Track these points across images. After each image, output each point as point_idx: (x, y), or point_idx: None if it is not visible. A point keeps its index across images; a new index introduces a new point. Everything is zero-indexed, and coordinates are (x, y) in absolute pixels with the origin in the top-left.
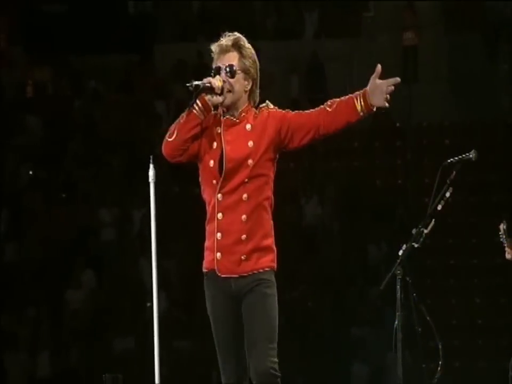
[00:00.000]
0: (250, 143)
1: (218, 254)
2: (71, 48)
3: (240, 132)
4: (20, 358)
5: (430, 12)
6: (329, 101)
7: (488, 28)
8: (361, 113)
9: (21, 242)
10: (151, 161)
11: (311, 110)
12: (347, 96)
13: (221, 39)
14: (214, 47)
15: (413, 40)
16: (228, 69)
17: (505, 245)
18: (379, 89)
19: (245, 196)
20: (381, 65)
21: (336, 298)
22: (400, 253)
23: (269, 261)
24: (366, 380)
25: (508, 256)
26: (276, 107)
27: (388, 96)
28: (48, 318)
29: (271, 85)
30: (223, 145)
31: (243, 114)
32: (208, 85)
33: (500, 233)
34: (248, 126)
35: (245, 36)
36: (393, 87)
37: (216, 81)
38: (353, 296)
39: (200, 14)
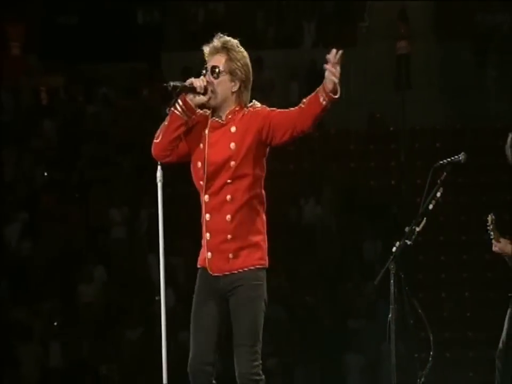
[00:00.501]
0: (232, 145)
1: (209, 254)
2: (83, 57)
3: (224, 134)
4: (33, 349)
5: (422, 22)
6: (304, 98)
7: (478, 38)
8: (324, 102)
9: (37, 240)
10: (158, 162)
11: (292, 108)
12: (312, 93)
13: (213, 40)
14: (205, 48)
15: (406, 49)
16: (211, 70)
17: (492, 237)
18: (327, 72)
19: (228, 196)
20: (376, 72)
21: (334, 292)
22: (394, 249)
23: (256, 258)
24: (362, 369)
25: (494, 248)
26: (264, 106)
27: (334, 70)
28: (61, 311)
29: (272, 91)
30: (206, 147)
31: (229, 116)
32: (189, 84)
33: (487, 224)
34: (233, 129)
35: (247, 45)
36: (335, 60)
37: (198, 81)
38: (350, 291)
39: (205, 24)
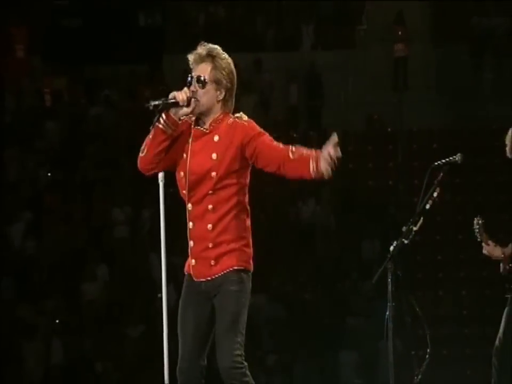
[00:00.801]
0: (214, 155)
1: (193, 261)
2: (85, 59)
3: (207, 143)
4: (37, 346)
5: (420, 25)
6: (295, 146)
7: (474, 40)
8: (313, 174)
9: (40, 239)
10: None
11: (280, 145)
12: (308, 152)
13: (197, 48)
14: (189, 57)
15: (404, 51)
16: (197, 79)
17: (479, 239)
18: (323, 157)
19: (210, 206)
20: (373, 74)
21: (332, 290)
22: (391, 248)
23: (236, 261)
24: (360, 366)
25: (484, 251)
26: (251, 120)
27: (333, 164)
28: (64, 309)
29: (271, 93)
30: (189, 157)
31: (213, 124)
32: (172, 100)
33: (474, 227)
34: (216, 138)
35: (248, 47)
36: (336, 152)
37: (180, 94)
38: (348, 289)
39: (206, 27)
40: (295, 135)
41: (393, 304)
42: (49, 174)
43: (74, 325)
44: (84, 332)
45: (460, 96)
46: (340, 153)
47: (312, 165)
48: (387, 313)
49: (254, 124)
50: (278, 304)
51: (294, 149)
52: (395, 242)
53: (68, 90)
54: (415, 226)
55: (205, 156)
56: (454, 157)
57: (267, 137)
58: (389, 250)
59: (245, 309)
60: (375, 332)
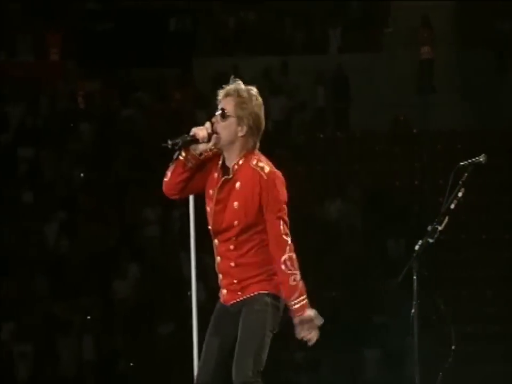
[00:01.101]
0: (236, 204)
1: (224, 291)
2: (118, 62)
3: (230, 191)
4: (70, 343)
5: (445, 28)
6: (290, 260)
7: (498, 43)
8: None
9: (74, 238)
10: None
11: (281, 241)
12: (293, 286)
13: (230, 83)
14: (219, 92)
15: (429, 54)
16: (220, 112)
17: None
18: (300, 331)
19: (231, 247)
20: (399, 77)
21: (358, 289)
22: (417, 247)
23: (261, 287)
24: (385, 363)
25: None
26: (270, 176)
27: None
28: (97, 306)
29: (297, 95)
30: (213, 204)
31: (235, 167)
32: (191, 138)
33: None
34: (237, 184)
35: (276, 51)
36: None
37: (201, 131)
38: (374, 287)
39: (236, 30)
40: (321, 136)
41: (418, 302)
42: (82, 175)
43: (106, 322)
44: (115, 329)
45: (484, 98)
46: (313, 339)
47: (290, 304)
48: (412, 311)
49: (274, 182)
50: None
51: (288, 263)
52: (420, 241)
53: (101, 92)
54: (440, 225)
55: (229, 204)
56: (478, 157)
57: (275, 218)
58: (414, 249)
59: (265, 329)
60: (400, 330)
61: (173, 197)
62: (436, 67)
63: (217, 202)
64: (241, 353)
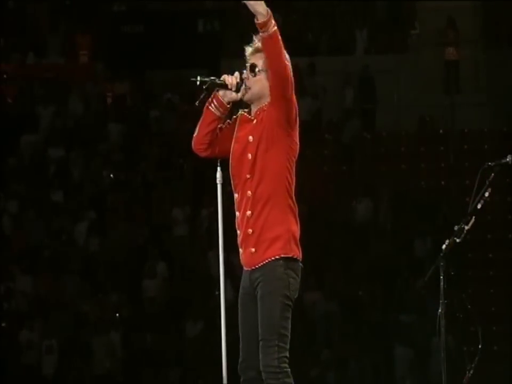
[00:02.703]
0: (250, 138)
1: (241, 250)
2: (146, 64)
3: (248, 128)
4: (100, 341)
5: (470, 29)
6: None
7: None
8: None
9: (103, 238)
10: (218, 164)
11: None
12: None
13: (254, 41)
14: (246, 49)
15: (455, 55)
16: (250, 67)
17: None
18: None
19: (249, 192)
20: (426, 78)
21: (386, 288)
22: (444, 247)
23: (276, 249)
24: (412, 362)
25: None
26: None
27: None
28: (127, 305)
29: (324, 96)
30: (233, 143)
31: (258, 112)
32: (221, 81)
33: None
34: (255, 121)
35: (303, 52)
36: None
37: (230, 79)
38: (401, 286)
39: None
40: (349, 137)
41: (445, 301)
42: (111, 175)
43: (136, 321)
44: (145, 328)
45: (509, 98)
46: None
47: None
48: (439, 310)
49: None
50: (333, 301)
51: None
52: (447, 240)
53: (130, 94)
54: (467, 225)
55: (243, 139)
56: (505, 157)
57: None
58: (441, 248)
59: (281, 307)
60: (427, 328)
61: (203, 153)
62: (462, 68)
63: (236, 140)
64: (265, 342)
